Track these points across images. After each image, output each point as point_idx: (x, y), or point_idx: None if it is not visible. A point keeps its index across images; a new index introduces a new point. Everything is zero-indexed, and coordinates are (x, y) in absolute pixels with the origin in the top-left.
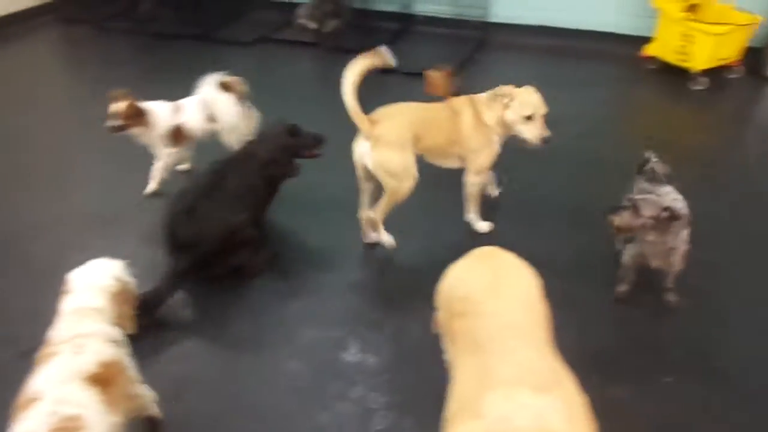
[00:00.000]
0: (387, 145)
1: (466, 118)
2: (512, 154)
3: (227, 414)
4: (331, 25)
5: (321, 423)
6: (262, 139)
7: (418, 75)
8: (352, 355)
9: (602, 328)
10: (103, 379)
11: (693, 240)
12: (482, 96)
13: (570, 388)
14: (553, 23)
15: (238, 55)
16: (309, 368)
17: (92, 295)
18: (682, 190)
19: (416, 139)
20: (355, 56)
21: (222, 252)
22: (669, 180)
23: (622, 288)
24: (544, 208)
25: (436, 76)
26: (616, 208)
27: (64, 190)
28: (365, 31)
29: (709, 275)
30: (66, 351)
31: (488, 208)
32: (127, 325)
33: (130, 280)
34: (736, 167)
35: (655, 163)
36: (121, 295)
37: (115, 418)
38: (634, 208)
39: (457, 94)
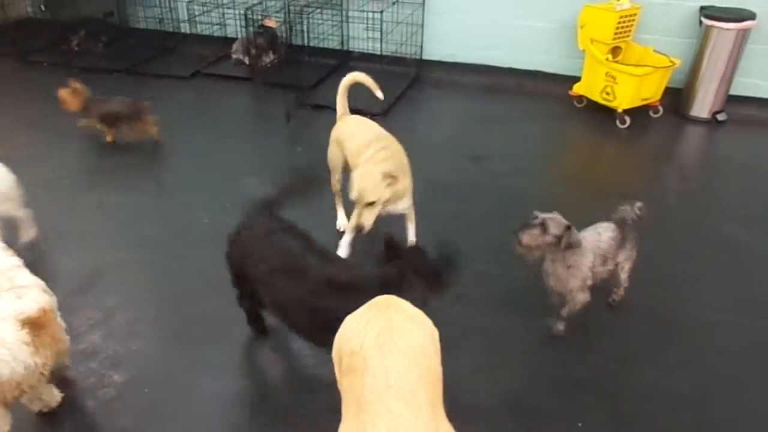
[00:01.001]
0: (332, 135)
1: None
2: (437, 188)
3: None
4: (266, 60)
5: None
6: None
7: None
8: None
9: (519, 369)
10: (37, 323)
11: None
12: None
13: None
14: (484, 62)
15: (172, 89)
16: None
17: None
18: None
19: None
20: (289, 91)
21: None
22: (625, 226)
23: (551, 321)
24: (465, 245)
25: (64, 93)
26: (525, 226)
27: None
28: (301, 66)
29: (621, 315)
30: (8, 297)
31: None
32: None
33: None
34: (656, 205)
35: (626, 210)
36: None
37: (38, 360)
38: (543, 226)
39: (87, 108)
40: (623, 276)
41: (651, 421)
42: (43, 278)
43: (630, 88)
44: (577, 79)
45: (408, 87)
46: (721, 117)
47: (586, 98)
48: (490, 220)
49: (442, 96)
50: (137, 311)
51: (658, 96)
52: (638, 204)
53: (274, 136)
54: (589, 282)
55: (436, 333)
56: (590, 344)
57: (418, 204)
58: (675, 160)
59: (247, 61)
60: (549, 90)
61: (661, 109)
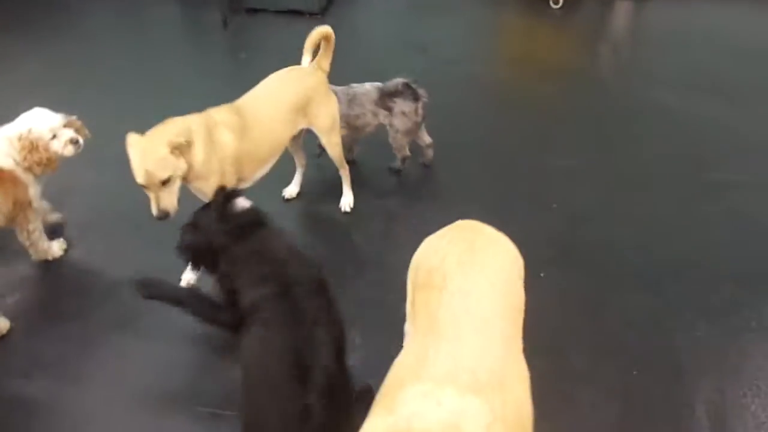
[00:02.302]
0: None
1: None
2: (386, 80)
3: None
4: None
5: None
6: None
7: (289, 13)
8: None
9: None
10: None
11: (554, 150)
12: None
13: (512, 393)
14: None
15: (90, 3)
16: None
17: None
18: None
19: None
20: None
21: None
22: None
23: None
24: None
25: None
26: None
27: None
28: None
29: (568, 178)
30: None
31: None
32: (36, 169)
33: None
34: (592, 79)
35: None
36: (31, 144)
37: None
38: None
39: None
40: (393, 136)
41: (603, 266)
42: None
43: None
44: None
45: None
46: None
47: None
48: (444, 103)
49: None
50: (112, 226)
51: None
52: (404, 79)
53: (214, 44)
54: (342, 124)
55: (521, 261)
56: (544, 207)
57: None
58: (607, 36)
59: None
60: None
61: None
